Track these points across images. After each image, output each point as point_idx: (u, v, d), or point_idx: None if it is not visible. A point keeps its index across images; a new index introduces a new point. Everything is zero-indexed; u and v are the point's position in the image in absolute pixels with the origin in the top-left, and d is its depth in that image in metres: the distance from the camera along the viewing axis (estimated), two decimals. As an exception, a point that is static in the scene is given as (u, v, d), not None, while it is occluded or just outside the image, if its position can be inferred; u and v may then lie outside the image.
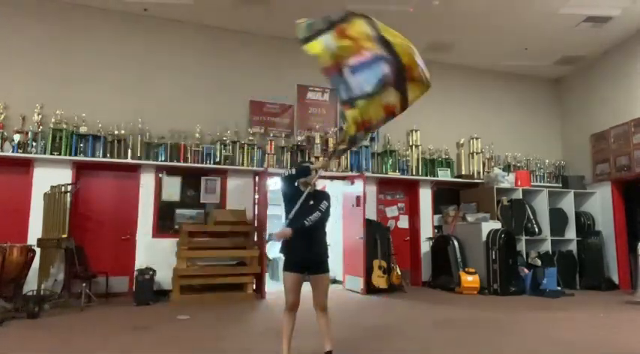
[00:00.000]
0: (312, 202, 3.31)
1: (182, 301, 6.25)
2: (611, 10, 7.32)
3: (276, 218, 9.13)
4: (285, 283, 3.34)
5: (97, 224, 6.82)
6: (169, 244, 6.89)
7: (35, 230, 6.21)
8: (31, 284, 5.73)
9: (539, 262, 7.80)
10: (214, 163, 7.31)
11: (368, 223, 7.45)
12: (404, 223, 8.68)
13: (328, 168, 3.88)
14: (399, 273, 7.42)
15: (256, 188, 7.56)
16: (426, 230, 8.50)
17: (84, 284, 5.72)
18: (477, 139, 9.00)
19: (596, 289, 7.89)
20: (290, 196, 3.39)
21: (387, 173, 8.33)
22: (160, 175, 7.17)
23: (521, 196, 8.32)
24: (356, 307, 6.18)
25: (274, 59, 8.06)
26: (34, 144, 6.48)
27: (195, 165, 7.20)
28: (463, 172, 8.86)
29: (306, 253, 3.30)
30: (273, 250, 7.90)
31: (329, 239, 3.66)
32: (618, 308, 6.17)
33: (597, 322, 5.22)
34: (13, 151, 6.35)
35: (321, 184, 3.67)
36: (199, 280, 6.57)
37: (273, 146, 7.67)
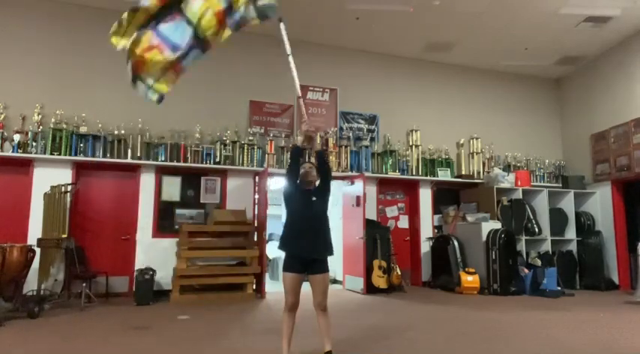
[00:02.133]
0: (314, 199, 3.43)
1: (182, 301, 6.25)
2: (611, 10, 7.32)
3: (276, 218, 9.14)
4: (284, 283, 3.34)
5: (97, 224, 6.82)
6: (169, 244, 6.90)
7: (35, 230, 6.22)
8: (31, 284, 5.73)
9: (539, 262, 7.79)
10: (214, 163, 7.31)
11: (368, 223, 7.45)
12: (404, 223, 8.69)
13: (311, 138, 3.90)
14: (399, 273, 7.43)
15: (256, 188, 7.57)
16: (426, 230, 8.50)
17: (84, 284, 5.72)
18: (477, 139, 9.00)
19: (596, 289, 7.90)
20: (292, 196, 3.51)
21: (387, 173, 8.33)
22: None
23: (521, 196, 8.32)
24: (356, 307, 6.17)
25: (274, 59, 8.03)
26: (34, 144, 6.48)
27: (195, 165, 7.20)
28: (463, 172, 8.86)
29: (310, 252, 3.31)
30: (273, 250, 7.90)
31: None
32: (618, 308, 6.16)
33: (597, 322, 5.21)
34: (13, 151, 6.35)
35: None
36: (199, 280, 6.57)
37: (273, 146, 7.67)
